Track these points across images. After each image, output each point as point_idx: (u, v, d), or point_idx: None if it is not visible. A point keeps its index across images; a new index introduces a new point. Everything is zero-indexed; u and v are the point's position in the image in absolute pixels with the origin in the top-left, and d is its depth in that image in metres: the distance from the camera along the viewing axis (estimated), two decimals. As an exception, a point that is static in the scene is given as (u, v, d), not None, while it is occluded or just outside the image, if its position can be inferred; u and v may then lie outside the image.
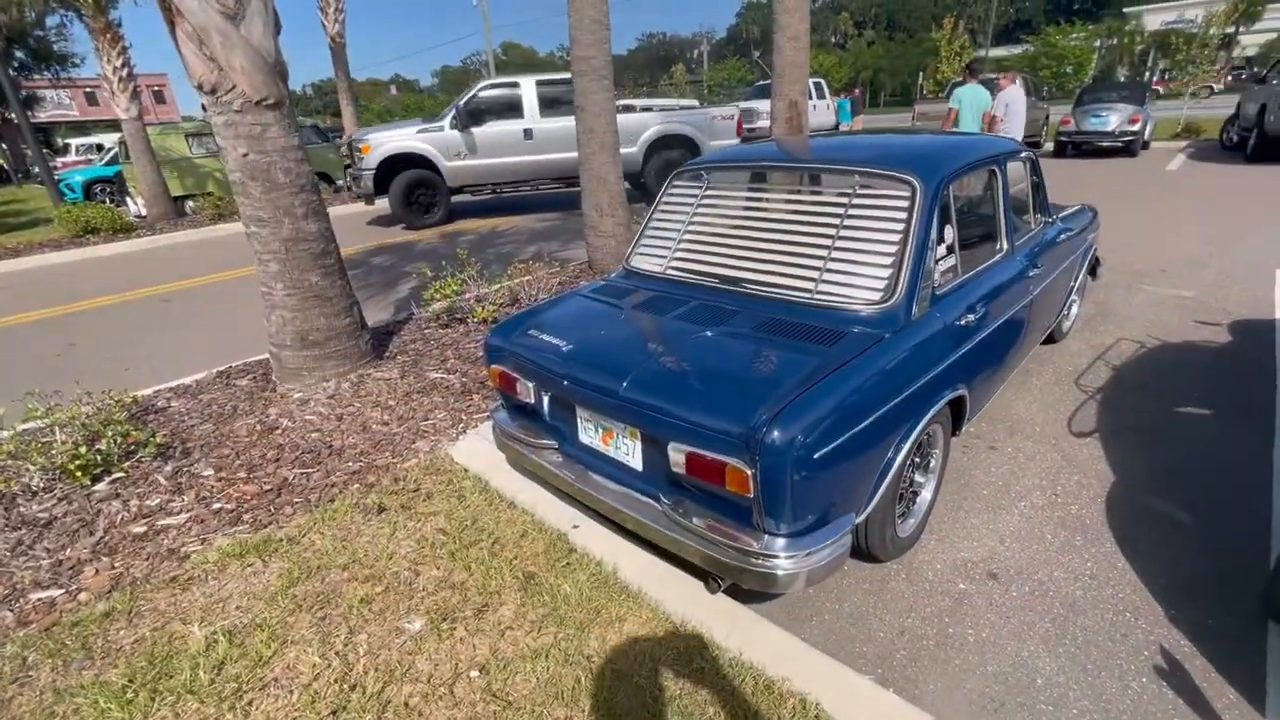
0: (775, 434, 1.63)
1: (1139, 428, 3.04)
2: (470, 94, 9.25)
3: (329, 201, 12.50)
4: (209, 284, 7.09)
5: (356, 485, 2.74)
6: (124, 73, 9.92)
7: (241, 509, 2.58)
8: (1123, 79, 30.41)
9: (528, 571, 2.21)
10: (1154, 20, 39.37)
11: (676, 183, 2.84)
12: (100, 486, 2.67)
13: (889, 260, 2.12)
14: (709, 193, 2.72)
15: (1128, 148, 12.82)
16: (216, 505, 2.59)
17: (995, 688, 1.81)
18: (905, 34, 67.54)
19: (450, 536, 2.40)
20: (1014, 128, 7.51)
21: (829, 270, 2.21)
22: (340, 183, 14.48)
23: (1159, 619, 2.01)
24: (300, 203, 3.22)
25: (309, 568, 2.26)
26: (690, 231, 2.68)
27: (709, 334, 2.12)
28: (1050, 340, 3.92)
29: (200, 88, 2.90)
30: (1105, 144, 12.91)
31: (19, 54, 26.51)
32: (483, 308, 4.42)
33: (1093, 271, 4.27)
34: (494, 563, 2.25)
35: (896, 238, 2.14)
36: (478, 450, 2.97)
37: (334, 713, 1.70)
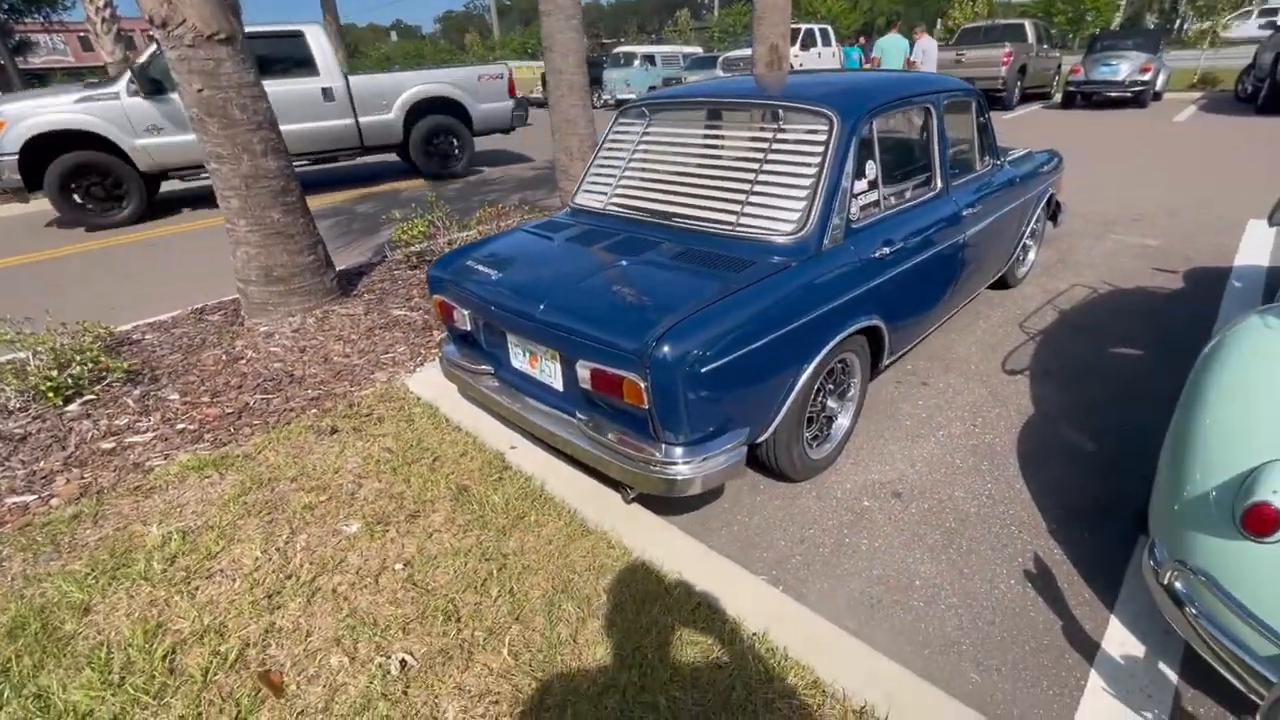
0: (665, 349, 1.75)
1: (1069, 367, 3.14)
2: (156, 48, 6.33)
3: (320, 149, 12.41)
4: (199, 229, 7.16)
5: (314, 410, 2.90)
6: (106, 13, 9.78)
7: (203, 429, 2.75)
8: (1152, 26, 29.14)
9: (462, 484, 2.38)
10: (1187, -37, 37.42)
11: (621, 120, 2.89)
12: (72, 407, 2.85)
13: (804, 192, 2.20)
14: (649, 130, 2.77)
15: (1138, 98, 12.46)
16: (180, 426, 2.77)
17: (876, 588, 1.98)
18: (926, -23, 64.50)
19: (395, 455, 2.57)
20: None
21: (750, 203, 2.29)
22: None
23: (1041, 532, 2.16)
24: (259, 139, 3.29)
25: (261, 480, 2.44)
26: (630, 169, 2.74)
27: (626, 263, 2.22)
28: (1004, 285, 3.98)
29: (151, 21, 2.94)
30: (1114, 94, 12.55)
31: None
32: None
33: (1054, 218, 4.30)
34: (432, 477, 2.42)
35: (812, 170, 2.21)
36: (432, 381, 3.12)
37: (268, 596, 1.90)
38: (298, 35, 7.37)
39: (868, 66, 10.22)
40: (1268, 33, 12.58)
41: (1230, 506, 1.43)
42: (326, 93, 7.56)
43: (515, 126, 9.41)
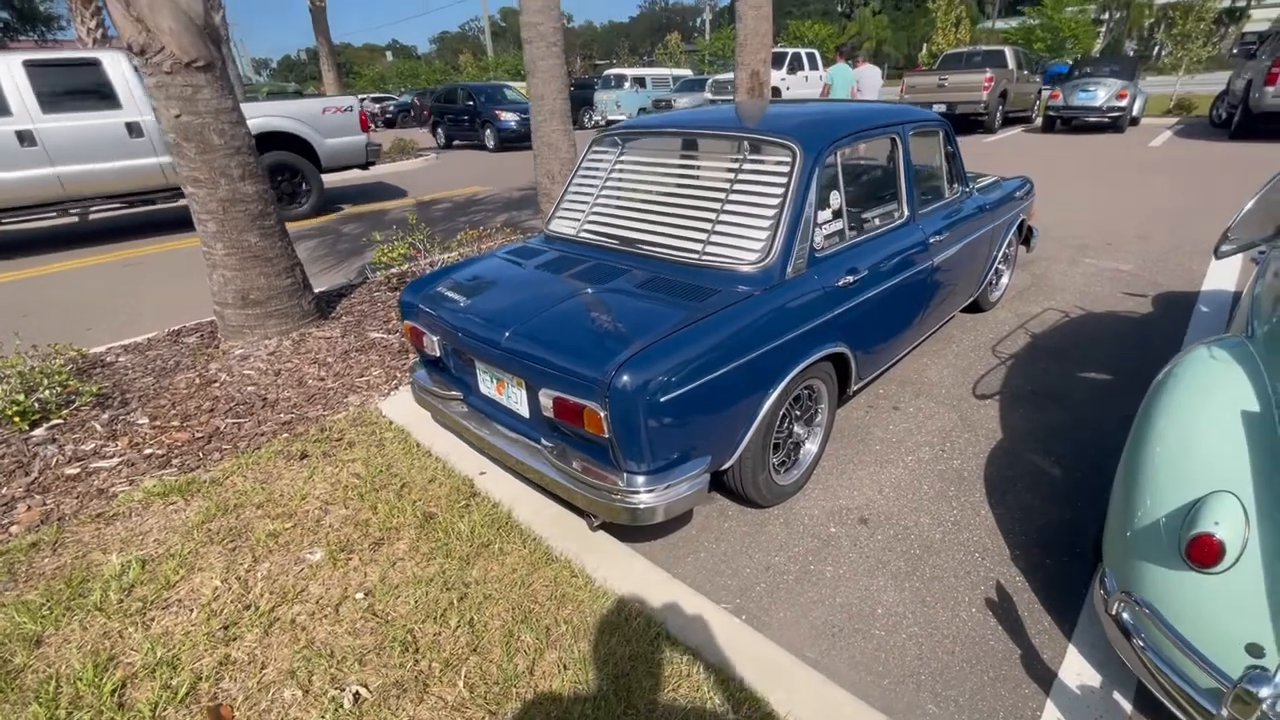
0: (624, 379, 1.76)
1: (1039, 391, 3.18)
2: None
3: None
4: (179, 249, 7.16)
5: (285, 435, 2.89)
6: (98, 34, 9.85)
7: (172, 454, 2.73)
8: (1131, 53, 29.88)
9: (428, 512, 2.37)
10: (1164, -8, 38.48)
11: (595, 149, 2.93)
12: (38, 432, 2.82)
13: (768, 222, 2.24)
14: (622, 158, 2.82)
15: (1115, 123, 12.78)
16: (148, 450, 2.75)
17: (838, 616, 1.98)
18: (912, 2, 66.10)
19: (364, 480, 2.56)
20: (869, 99, 9.45)
21: (716, 232, 2.33)
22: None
23: (1004, 559, 2.17)
24: (236, 164, 3.32)
25: (226, 506, 2.42)
26: (602, 196, 2.78)
27: (593, 290, 2.25)
28: (977, 309, 4.04)
29: (130, 48, 2.97)
30: (1092, 119, 12.87)
31: (3, 14, 26.11)
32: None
33: (1026, 242, 4.38)
34: (399, 503, 2.41)
35: (776, 200, 2.25)
36: (406, 405, 3.12)
37: (225, 627, 1.87)
38: (94, 64, 6.47)
39: (825, 94, 10.88)
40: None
41: (1176, 536, 1.45)
42: (132, 128, 6.63)
43: (373, 162, 9.03)
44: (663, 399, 1.81)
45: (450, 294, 2.47)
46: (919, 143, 2.96)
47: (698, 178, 2.56)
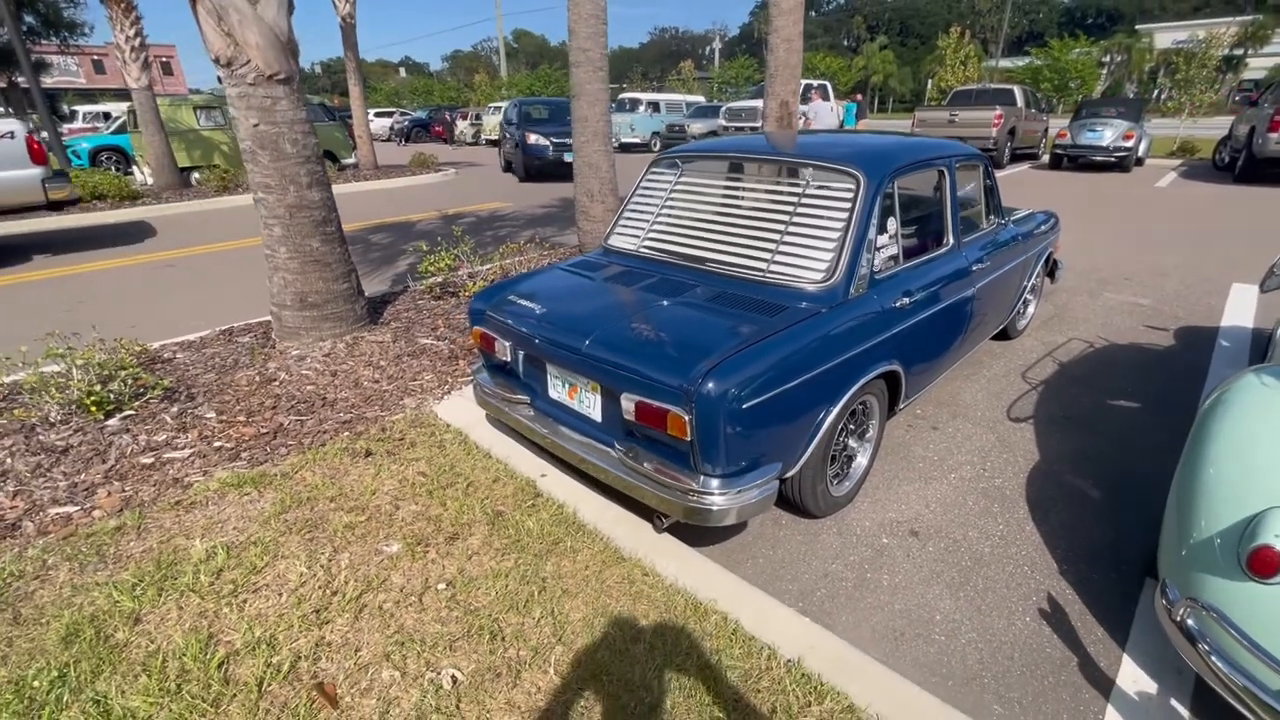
0: (709, 386, 1.88)
1: (1071, 416, 3.29)
2: None
3: (334, 180, 12.70)
4: (212, 252, 7.31)
5: (346, 433, 2.99)
6: (136, 42, 10.09)
7: (240, 447, 2.82)
8: (1131, 95, 30.62)
9: (497, 510, 2.46)
10: (1165, 39, 39.53)
11: (654, 169, 3.08)
12: (112, 422, 2.91)
13: (832, 244, 2.37)
14: (682, 179, 2.96)
15: (1121, 163, 13.06)
16: (217, 443, 2.84)
17: (899, 622, 2.07)
18: (918, 40, 67.71)
19: (429, 479, 2.65)
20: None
21: (781, 251, 2.46)
22: (347, 161, 14.71)
23: (1053, 572, 2.27)
24: (305, 172, 3.46)
25: (300, 499, 2.50)
26: (664, 214, 2.92)
27: (666, 303, 2.37)
28: (1005, 337, 4.17)
29: (217, 61, 3.13)
30: (1099, 158, 13.15)
31: (28, 19, 26.57)
32: (474, 283, 4.66)
33: (1051, 274, 4.53)
34: (467, 501, 2.50)
35: (840, 224, 2.38)
36: (460, 408, 3.22)
37: (316, 611, 1.96)
38: None
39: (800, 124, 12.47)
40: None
41: (1235, 550, 1.55)
42: None
43: (58, 200, 7.25)
44: (743, 407, 1.92)
45: (523, 302, 2.59)
46: (963, 175, 3.11)
47: (761, 199, 2.70)
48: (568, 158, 9.43)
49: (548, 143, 12.55)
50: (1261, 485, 1.61)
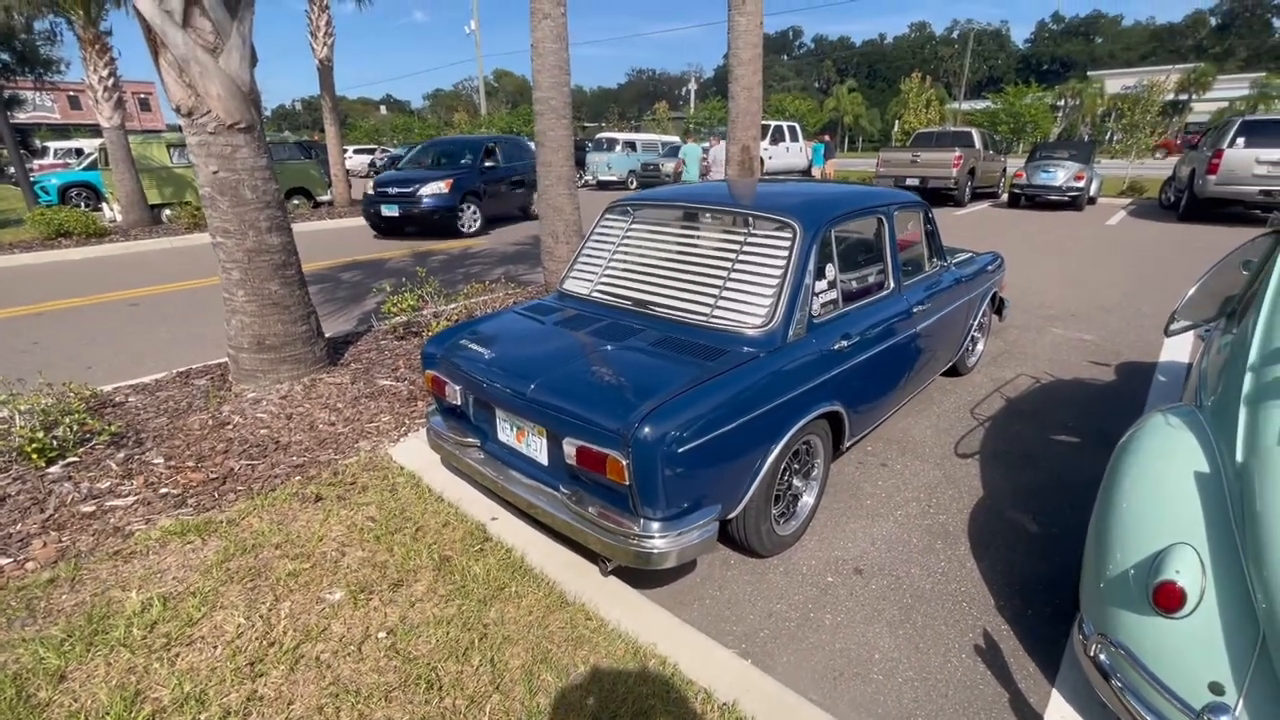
0: (646, 430, 1.93)
1: (1015, 451, 3.40)
2: None
3: (308, 217, 12.75)
4: (178, 290, 7.25)
5: (298, 477, 2.97)
6: (109, 82, 10.15)
7: (187, 494, 2.79)
8: (1086, 138, 32.15)
9: (444, 555, 2.46)
10: (1115, 84, 41.80)
11: (608, 216, 3.18)
12: (54, 469, 2.86)
13: (771, 290, 2.46)
14: (634, 226, 3.06)
15: (1074, 201, 13.69)
16: (164, 490, 2.80)
17: (839, 661, 2.09)
18: (884, 82, 70.69)
19: (378, 524, 2.64)
20: (718, 174, 11.59)
21: (723, 297, 2.55)
22: (323, 198, 14.78)
23: (990, 608, 2.32)
24: (265, 218, 3.50)
25: (244, 546, 2.48)
26: (615, 260, 3.01)
27: (610, 348, 2.43)
28: (956, 373, 4.31)
29: (178, 110, 3.19)
30: (1054, 197, 13.78)
31: (3, 56, 26.49)
32: (438, 322, 4.69)
33: (999, 312, 4.70)
34: (415, 546, 2.50)
35: (778, 272, 2.49)
36: (416, 451, 3.22)
37: (251, 664, 1.93)
38: None
39: (680, 167, 13.39)
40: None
41: (1144, 584, 1.62)
42: None
43: None
44: (680, 450, 1.97)
45: (474, 346, 2.63)
46: (902, 221, 3.26)
47: (705, 247, 2.80)
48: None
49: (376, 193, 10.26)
50: (1166, 522, 1.70)
